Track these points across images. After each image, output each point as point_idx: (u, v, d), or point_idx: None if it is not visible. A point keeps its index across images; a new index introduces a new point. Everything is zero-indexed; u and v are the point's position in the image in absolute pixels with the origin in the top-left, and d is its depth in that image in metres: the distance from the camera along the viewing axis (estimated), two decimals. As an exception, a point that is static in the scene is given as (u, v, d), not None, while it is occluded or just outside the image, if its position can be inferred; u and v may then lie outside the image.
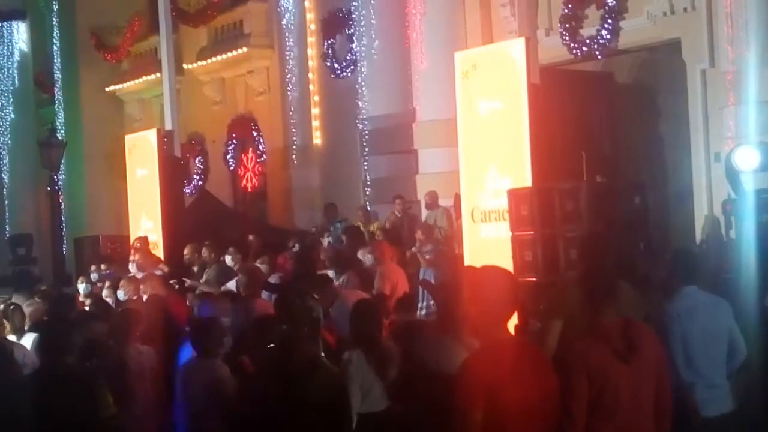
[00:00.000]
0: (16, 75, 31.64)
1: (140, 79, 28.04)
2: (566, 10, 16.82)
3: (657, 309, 6.65)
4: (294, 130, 23.25)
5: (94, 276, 16.05)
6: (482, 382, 4.65)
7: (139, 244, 17.02)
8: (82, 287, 15.45)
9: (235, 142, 26.00)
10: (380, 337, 8.00)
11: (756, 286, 8.37)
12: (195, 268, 15.36)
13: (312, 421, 6.42)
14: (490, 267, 5.09)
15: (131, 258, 15.54)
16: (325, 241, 17.09)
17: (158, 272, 14.73)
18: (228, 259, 14.79)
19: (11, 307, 10.70)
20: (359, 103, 19.54)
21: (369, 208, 18.58)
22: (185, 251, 16.12)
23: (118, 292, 12.97)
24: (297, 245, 16.76)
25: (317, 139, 23.09)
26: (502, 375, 4.68)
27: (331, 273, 12.31)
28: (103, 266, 16.92)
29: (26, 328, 10.23)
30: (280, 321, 7.71)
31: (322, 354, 7.56)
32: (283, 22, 23.45)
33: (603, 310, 5.35)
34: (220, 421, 7.46)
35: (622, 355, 5.23)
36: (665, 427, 5.44)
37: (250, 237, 17.33)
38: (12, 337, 9.86)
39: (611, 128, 17.36)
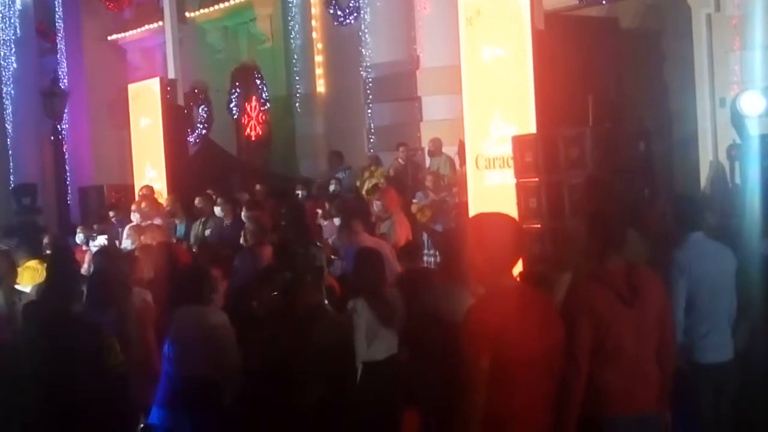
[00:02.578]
0: (17, 24, 31.41)
1: (142, 28, 27.88)
2: (571, -45, 16.68)
3: (663, 256, 6.64)
4: (297, 78, 23.15)
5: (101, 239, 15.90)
6: (488, 329, 4.66)
7: (145, 192, 17.03)
8: (80, 237, 15.34)
9: (238, 90, 25.90)
10: (384, 286, 8.03)
11: (760, 231, 8.37)
12: (176, 221, 15.29)
13: (316, 368, 6.46)
14: (495, 214, 5.09)
15: (133, 207, 15.51)
16: (331, 188, 17.10)
17: (158, 221, 14.71)
18: (217, 211, 14.68)
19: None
20: (362, 50, 19.44)
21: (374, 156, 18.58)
22: (166, 201, 16.02)
23: (124, 241, 12.93)
24: (303, 193, 16.80)
25: (321, 87, 23.00)
26: (507, 322, 4.70)
27: (337, 221, 12.34)
28: (111, 213, 16.95)
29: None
30: (284, 269, 7.74)
31: (326, 302, 7.60)
32: (286, -31, 23.29)
33: (609, 256, 5.36)
34: (213, 368, 7.40)
35: (626, 299, 5.26)
36: (668, 370, 5.49)
37: (257, 186, 17.29)
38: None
39: (616, 74, 17.26)
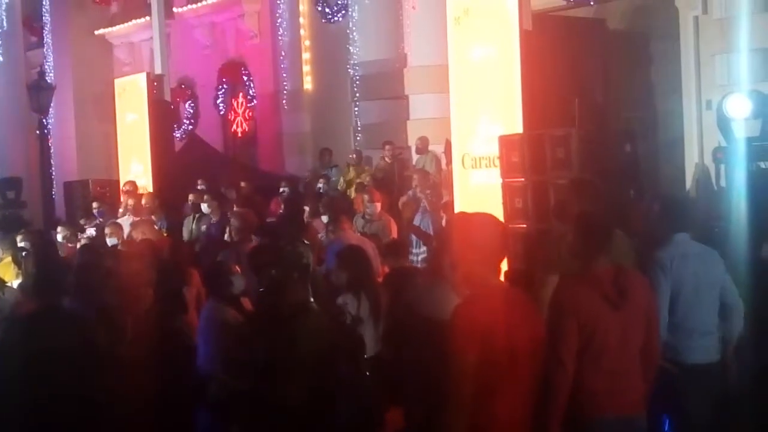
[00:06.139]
0: (4, 17, 31.28)
1: (130, 23, 27.82)
2: (559, -45, 16.70)
3: (647, 257, 6.65)
4: (284, 75, 23.10)
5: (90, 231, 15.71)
6: (476, 328, 4.67)
7: (129, 188, 16.97)
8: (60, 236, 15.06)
9: (225, 86, 25.86)
10: (372, 283, 8.03)
11: (746, 234, 8.39)
12: (154, 217, 15.14)
13: (302, 367, 6.45)
14: (481, 214, 5.11)
15: (121, 211, 15.43)
16: (319, 186, 17.10)
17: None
18: (204, 208, 14.60)
19: (23, 254, 10.59)
20: (350, 48, 19.45)
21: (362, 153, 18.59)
22: (145, 199, 15.77)
23: (107, 239, 12.83)
24: (287, 189, 16.77)
25: (308, 84, 22.95)
26: (494, 321, 4.71)
27: (324, 218, 12.32)
28: (95, 204, 16.85)
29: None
30: (271, 266, 7.72)
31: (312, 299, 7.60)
32: (274, -35, 23.24)
33: (596, 257, 5.38)
34: (224, 365, 7.42)
35: (613, 301, 5.28)
36: (652, 372, 5.53)
37: (242, 183, 17.30)
38: (16, 282, 9.82)
39: (603, 75, 17.28)
